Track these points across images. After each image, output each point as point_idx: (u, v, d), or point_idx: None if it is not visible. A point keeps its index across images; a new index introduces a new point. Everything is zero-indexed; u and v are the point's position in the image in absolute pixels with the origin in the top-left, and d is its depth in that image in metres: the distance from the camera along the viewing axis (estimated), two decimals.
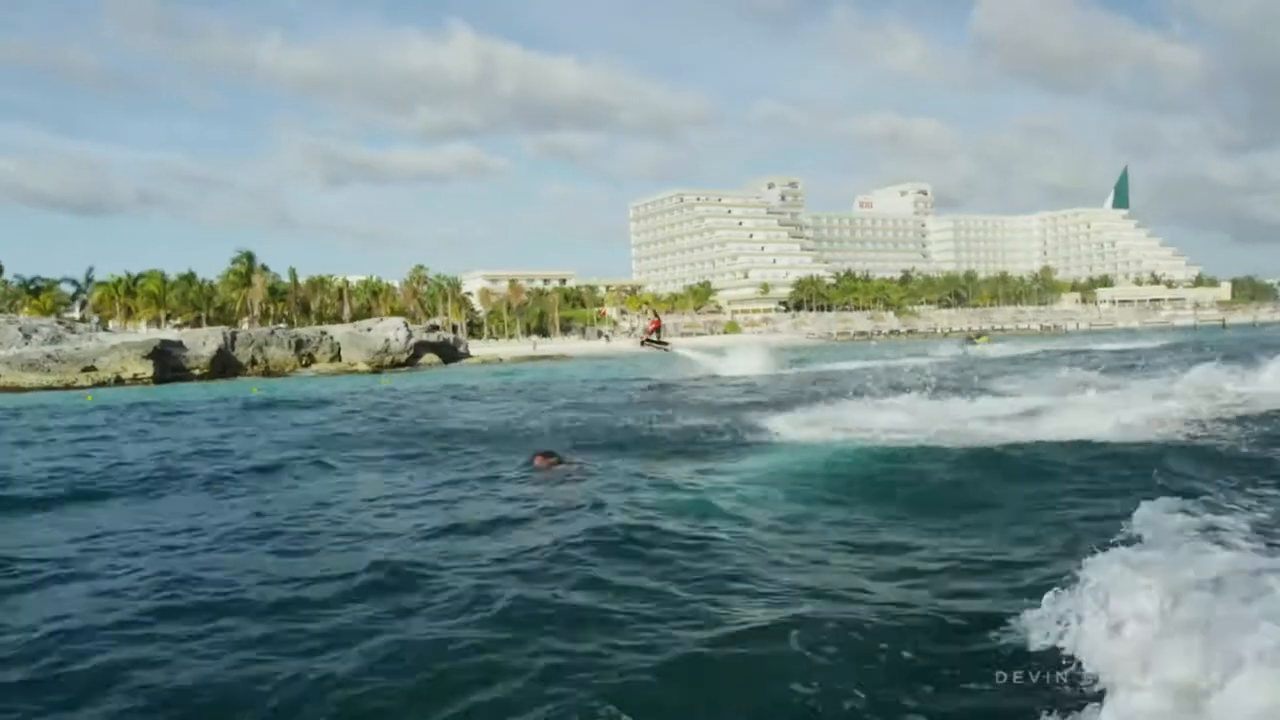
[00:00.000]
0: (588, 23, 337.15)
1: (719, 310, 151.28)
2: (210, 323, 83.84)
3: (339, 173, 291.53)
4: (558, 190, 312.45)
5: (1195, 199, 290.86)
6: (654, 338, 38.44)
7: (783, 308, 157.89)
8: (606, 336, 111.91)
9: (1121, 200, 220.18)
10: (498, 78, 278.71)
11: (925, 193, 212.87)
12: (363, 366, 61.90)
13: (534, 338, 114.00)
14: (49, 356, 55.46)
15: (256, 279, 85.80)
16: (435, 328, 70.55)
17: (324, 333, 66.62)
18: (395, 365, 63.05)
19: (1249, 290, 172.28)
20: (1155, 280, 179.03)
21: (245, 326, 71.47)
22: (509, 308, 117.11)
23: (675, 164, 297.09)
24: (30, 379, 53.29)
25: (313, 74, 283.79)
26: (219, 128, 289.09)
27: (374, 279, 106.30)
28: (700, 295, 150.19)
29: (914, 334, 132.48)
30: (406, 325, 65.44)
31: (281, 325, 72.19)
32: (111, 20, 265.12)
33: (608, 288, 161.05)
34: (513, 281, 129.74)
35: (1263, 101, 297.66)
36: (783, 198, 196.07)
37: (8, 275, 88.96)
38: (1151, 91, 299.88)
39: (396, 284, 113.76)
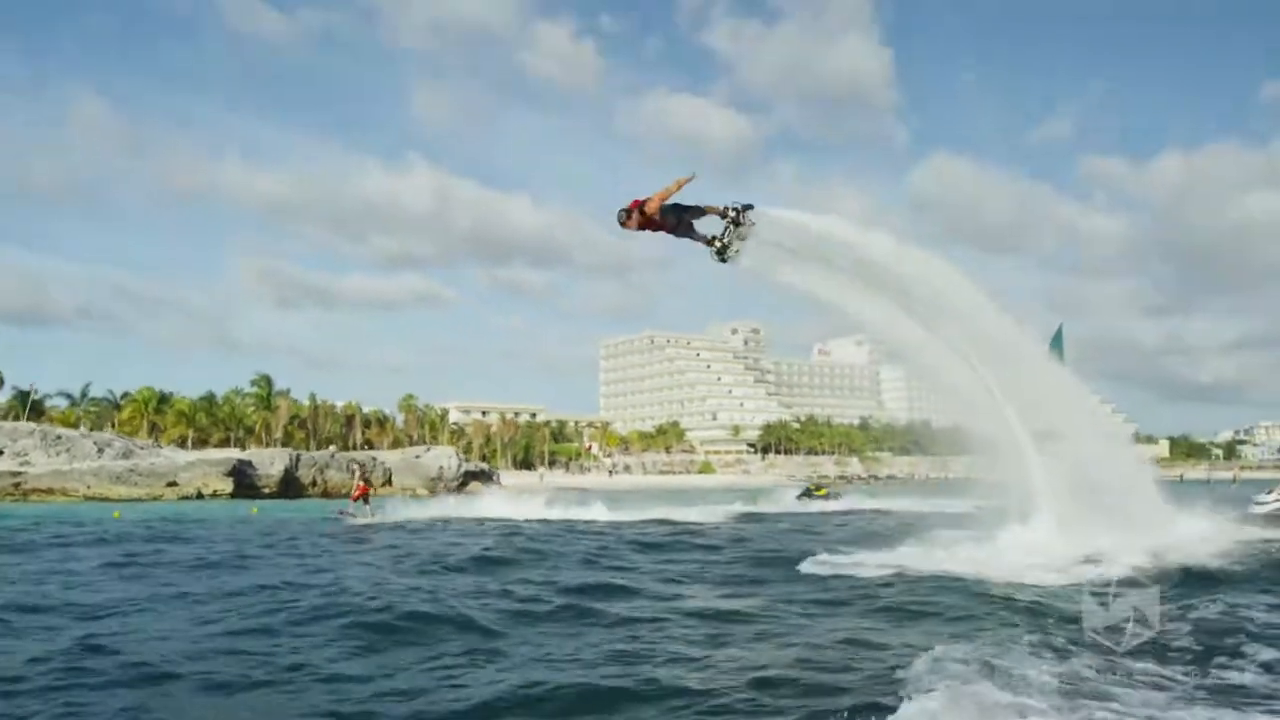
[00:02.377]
0: (541, 163, 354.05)
1: (693, 450, 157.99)
2: (239, 444, 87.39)
3: (290, 296, 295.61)
4: (509, 323, 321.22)
5: (1120, 359, 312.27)
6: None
7: (751, 449, 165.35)
8: (612, 470, 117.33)
9: (1056, 357, 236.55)
10: (453, 211, 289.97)
11: (879, 343, 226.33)
12: (422, 491, 66.50)
13: (610, 461, 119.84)
14: (132, 470, 59.24)
15: (281, 403, 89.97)
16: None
17: (374, 458, 71.20)
18: (446, 490, 67.68)
19: (1185, 448, 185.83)
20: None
21: (269, 449, 75.54)
22: (501, 440, 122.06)
23: (629, 304, 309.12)
24: (119, 491, 56.97)
25: (272, 198, 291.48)
26: (168, 247, 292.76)
27: (376, 409, 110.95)
28: (675, 435, 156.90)
29: (889, 479, 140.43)
30: (458, 454, 70.52)
31: (332, 448, 76.45)
32: (76, 134, 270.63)
33: (577, 423, 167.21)
34: (502, 414, 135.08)
35: (1181, 270, 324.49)
36: (745, 342, 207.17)
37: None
38: (1077, 257, 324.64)
39: (385, 410, 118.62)
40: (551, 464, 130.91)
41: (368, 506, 31.77)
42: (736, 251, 11.87)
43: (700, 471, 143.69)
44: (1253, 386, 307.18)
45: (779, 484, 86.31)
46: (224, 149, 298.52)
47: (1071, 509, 15.95)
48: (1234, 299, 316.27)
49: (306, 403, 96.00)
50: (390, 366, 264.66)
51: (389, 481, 69.39)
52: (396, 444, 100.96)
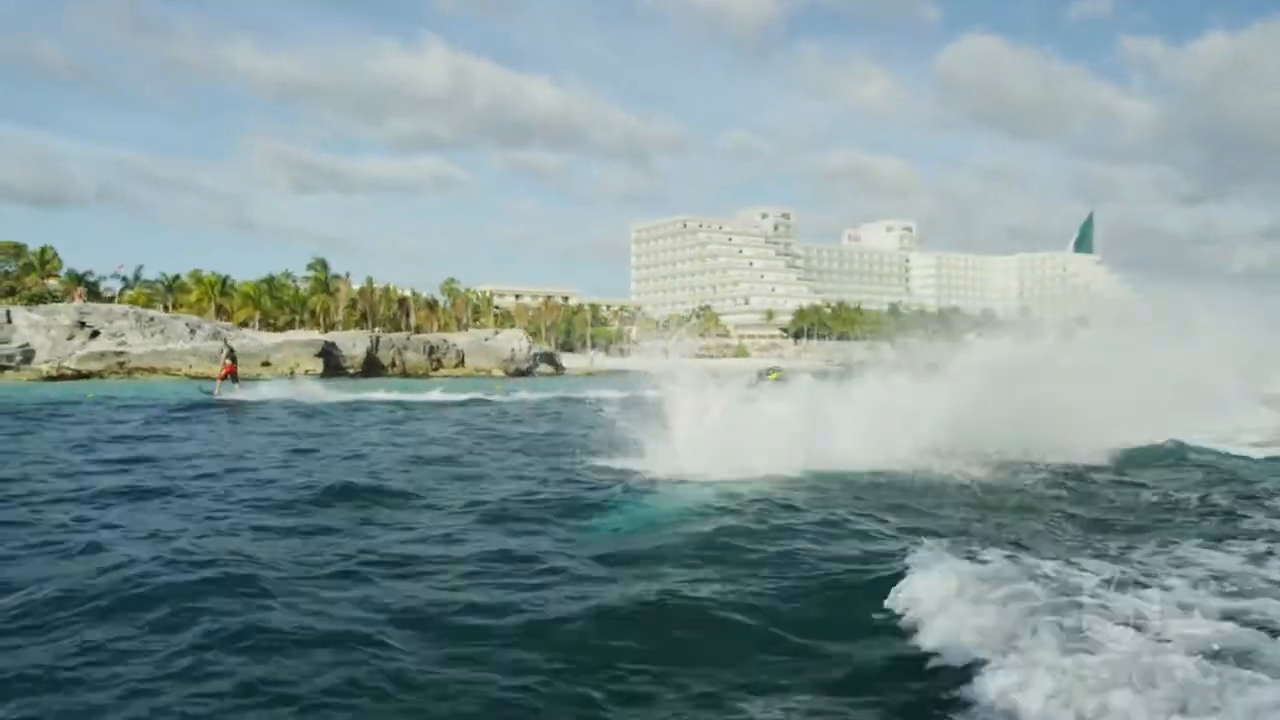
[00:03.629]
0: (561, 44, 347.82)
1: (727, 334, 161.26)
2: (303, 325, 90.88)
3: (306, 179, 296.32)
4: (525, 207, 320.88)
5: (1147, 247, 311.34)
6: None
7: (784, 334, 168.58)
8: (666, 352, 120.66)
9: (1085, 245, 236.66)
10: (470, 92, 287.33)
11: (910, 229, 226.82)
12: (497, 371, 70.13)
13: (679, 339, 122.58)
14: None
15: (341, 286, 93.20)
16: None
17: (445, 340, 74.65)
18: (520, 373, 71.25)
19: None
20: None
21: (350, 331, 78.82)
22: (544, 324, 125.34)
23: (645, 187, 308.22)
24: (219, 369, 60.47)
25: (286, 79, 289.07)
26: (185, 128, 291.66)
27: (423, 293, 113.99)
28: (710, 319, 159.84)
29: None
30: (528, 336, 73.84)
31: (408, 332, 79.80)
32: (78, 13, 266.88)
33: (609, 306, 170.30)
34: (537, 297, 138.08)
35: (1214, 156, 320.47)
36: (775, 227, 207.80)
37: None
38: (1108, 141, 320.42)
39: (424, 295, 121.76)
40: (592, 346, 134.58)
41: (236, 385, 33.43)
42: None
43: (736, 355, 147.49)
44: None
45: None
46: (233, 29, 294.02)
47: None
48: (1267, 186, 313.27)
49: (357, 286, 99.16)
50: (405, 250, 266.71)
51: (462, 362, 73.03)
52: (444, 327, 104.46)
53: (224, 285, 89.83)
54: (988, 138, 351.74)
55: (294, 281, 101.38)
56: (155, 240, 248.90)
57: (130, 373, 61.46)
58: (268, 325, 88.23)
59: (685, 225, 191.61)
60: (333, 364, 64.34)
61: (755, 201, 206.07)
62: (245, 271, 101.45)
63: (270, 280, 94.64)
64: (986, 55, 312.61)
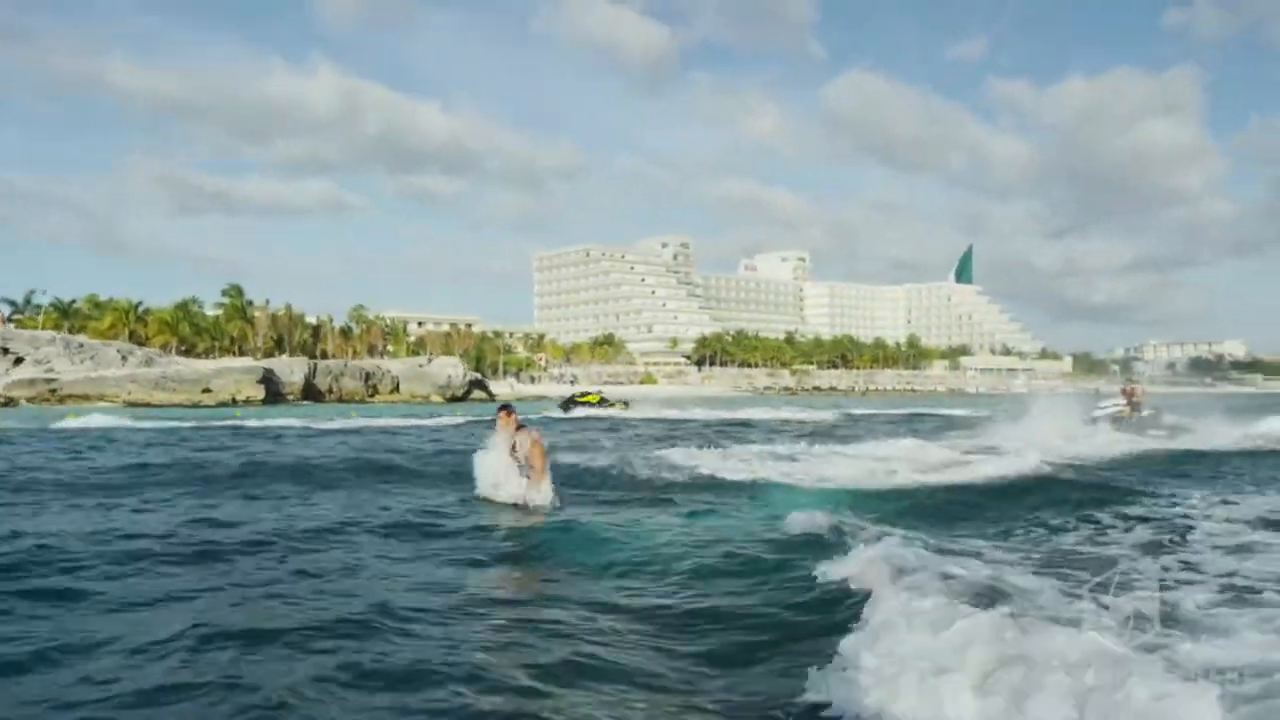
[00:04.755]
0: (454, 68, 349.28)
1: (633, 362, 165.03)
2: (224, 353, 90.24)
3: (188, 199, 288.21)
4: (418, 232, 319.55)
5: (1021, 278, 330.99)
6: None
7: (686, 361, 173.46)
8: (573, 379, 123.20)
9: (966, 276, 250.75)
10: (361, 115, 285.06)
11: (804, 260, 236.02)
12: (435, 397, 71.71)
13: (558, 372, 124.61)
14: (168, 377, 62.80)
15: (259, 314, 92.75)
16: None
17: (380, 367, 75.86)
18: (455, 399, 73.04)
19: (1086, 365, 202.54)
20: (1007, 351, 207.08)
21: (289, 358, 79.14)
22: (458, 351, 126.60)
23: (540, 213, 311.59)
24: (160, 396, 60.68)
25: (166, 96, 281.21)
26: (56, 144, 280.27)
27: (326, 317, 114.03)
28: (617, 348, 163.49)
29: (820, 390, 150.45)
30: (463, 363, 75.72)
31: (344, 359, 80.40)
32: None
33: (512, 334, 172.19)
34: (454, 324, 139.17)
35: (1079, 193, 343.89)
36: (675, 256, 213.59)
37: None
38: (985, 177, 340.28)
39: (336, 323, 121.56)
40: (504, 374, 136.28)
41: None
42: None
43: (643, 383, 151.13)
44: (1141, 307, 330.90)
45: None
46: (108, 43, 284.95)
47: None
48: (1127, 222, 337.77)
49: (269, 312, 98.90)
50: (294, 275, 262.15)
51: (397, 389, 74.29)
52: (357, 354, 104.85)
53: (138, 311, 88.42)
54: (874, 171, 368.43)
55: (200, 306, 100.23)
56: (12, 259, 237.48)
57: (62, 400, 60.69)
58: (184, 352, 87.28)
59: (588, 254, 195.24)
60: (273, 390, 65.01)
61: (651, 227, 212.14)
62: (124, 294, 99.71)
63: (185, 306, 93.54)
64: (870, 91, 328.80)
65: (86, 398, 61.60)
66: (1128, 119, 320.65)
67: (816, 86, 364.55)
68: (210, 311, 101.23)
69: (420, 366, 76.11)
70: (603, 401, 47.34)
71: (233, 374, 64.58)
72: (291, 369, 68.37)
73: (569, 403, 47.33)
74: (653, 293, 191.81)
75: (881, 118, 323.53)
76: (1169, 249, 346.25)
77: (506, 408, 10.66)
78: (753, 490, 11.48)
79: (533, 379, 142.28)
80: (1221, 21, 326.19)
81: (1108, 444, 18.73)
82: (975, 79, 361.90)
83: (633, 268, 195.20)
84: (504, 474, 9.98)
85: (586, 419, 37.40)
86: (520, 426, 10.29)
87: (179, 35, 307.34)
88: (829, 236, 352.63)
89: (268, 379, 64.91)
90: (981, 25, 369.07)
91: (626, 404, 47.70)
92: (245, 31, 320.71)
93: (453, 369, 74.97)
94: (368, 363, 77.81)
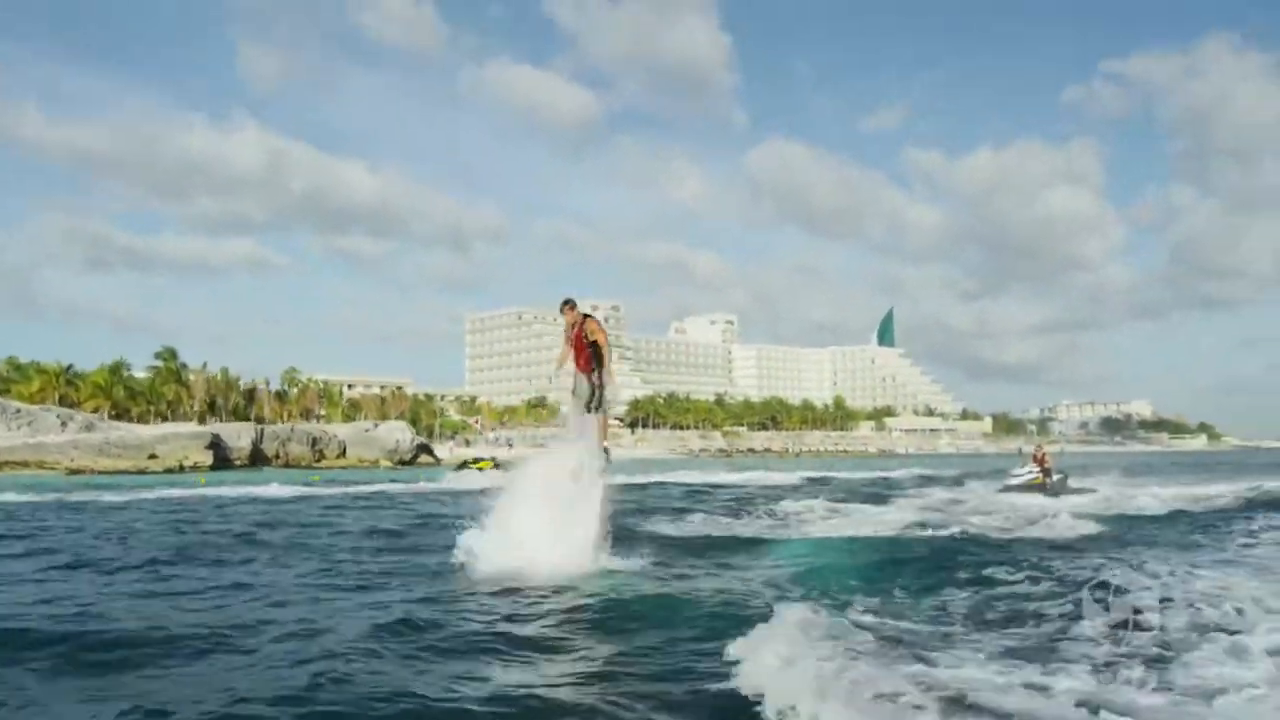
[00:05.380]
0: (380, 128, 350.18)
1: (566, 425, 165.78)
2: (159, 417, 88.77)
3: (104, 256, 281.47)
4: (345, 293, 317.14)
5: (938, 339, 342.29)
6: None
7: (620, 423, 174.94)
8: (510, 442, 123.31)
9: (888, 338, 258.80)
10: (286, 174, 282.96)
11: (732, 323, 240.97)
12: (384, 461, 71.78)
13: (494, 435, 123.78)
14: (112, 443, 61.91)
15: (197, 377, 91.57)
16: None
17: (326, 431, 75.72)
18: (403, 463, 73.16)
19: (1005, 425, 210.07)
20: (930, 412, 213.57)
21: (233, 423, 78.51)
22: (394, 413, 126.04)
23: (467, 275, 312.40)
24: (104, 463, 59.77)
25: (80, 149, 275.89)
26: None
27: (263, 381, 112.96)
28: (551, 410, 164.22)
29: (755, 452, 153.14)
30: (410, 428, 76.05)
31: (291, 424, 79.89)
32: None
33: (443, 396, 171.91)
34: (385, 386, 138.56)
35: (990, 258, 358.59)
36: (605, 319, 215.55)
37: None
38: (902, 242, 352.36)
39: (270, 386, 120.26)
40: (440, 437, 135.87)
41: None
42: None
43: None
44: (1052, 368, 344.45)
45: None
46: (23, 93, 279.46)
47: None
48: (1034, 286, 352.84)
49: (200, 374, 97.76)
50: (214, 335, 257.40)
51: (343, 454, 74.13)
52: (291, 417, 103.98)
53: (68, 374, 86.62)
54: (796, 235, 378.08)
55: (129, 369, 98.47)
56: None
57: None
58: (116, 416, 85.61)
59: (520, 316, 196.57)
60: (221, 455, 64.50)
61: (578, 289, 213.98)
62: (37, 356, 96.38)
63: (117, 369, 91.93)
64: (790, 158, 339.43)
65: (25, 464, 60.36)
66: (1033, 188, 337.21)
67: (739, 153, 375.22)
68: (140, 374, 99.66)
69: (366, 431, 76.16)
70: (497, 466, 45.72)
71: (180, 439, 63.94)
72: (239, 434, 67.93)
73: (463, 466, 47.74)
74: None
75: (802, 184, 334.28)
76: (1075, 312, 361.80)
77: (569, 302, 10.86)
78: None
79: (468, 442, 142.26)
80: (1116, 98, 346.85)
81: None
82: (892, 149, 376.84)
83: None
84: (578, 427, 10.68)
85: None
86: (587, 316, 10.82)
87: (96, 88, 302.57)
88: (753, 299, 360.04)
89: (216, 444, 64.43)
90: (896, 97, 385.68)
91: None
92: (166, 87, 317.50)
93: (400, 433, 75.23)
94: (314, 427, 77.58)
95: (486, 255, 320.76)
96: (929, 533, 14.42)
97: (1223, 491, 24.90)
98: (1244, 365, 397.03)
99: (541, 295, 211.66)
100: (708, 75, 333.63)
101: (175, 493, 29.49)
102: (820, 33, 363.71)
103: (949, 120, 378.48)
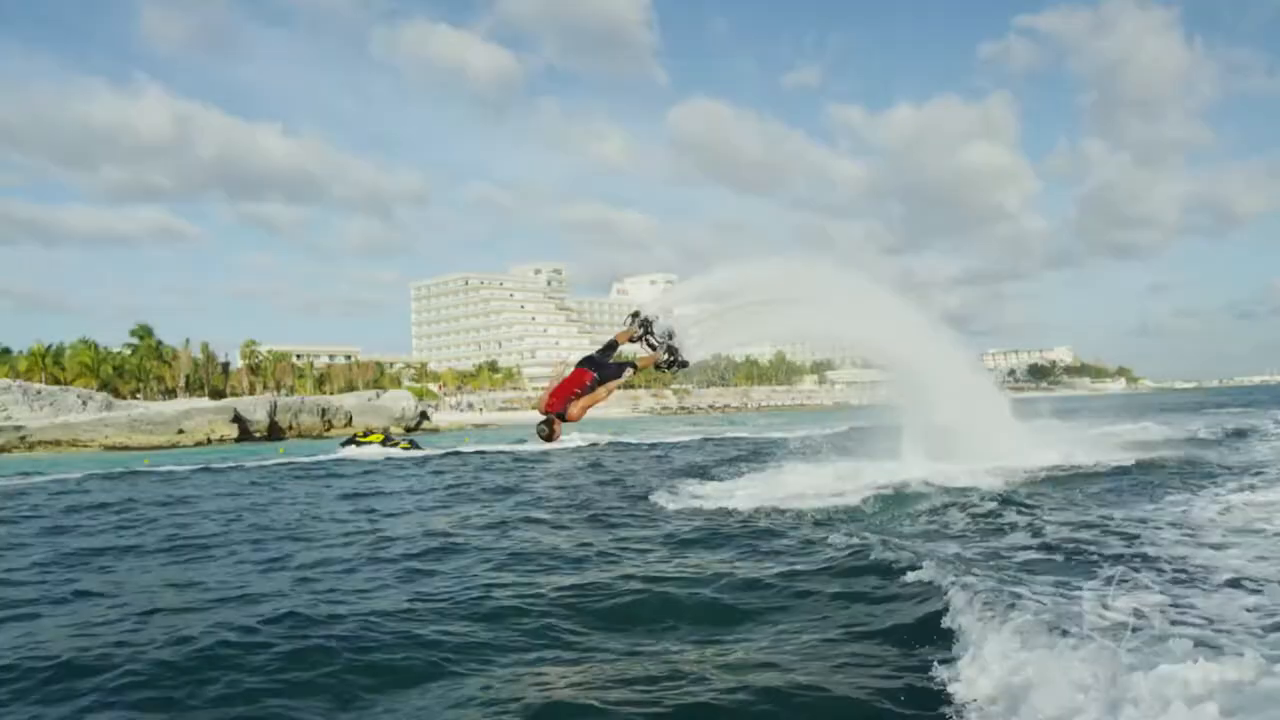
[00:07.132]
0: (293, 92, 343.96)
1: (523, 388, 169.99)
2: (149, 394, 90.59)
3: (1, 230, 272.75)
4: (259, 260, 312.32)
5: None
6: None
7: None
8: (470, 405, 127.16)
9: None
10: (194, 140, 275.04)
11: (671, 281, 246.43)
12: (395, 429, 75.41)
13: (455, 400, 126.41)
14: (136, 420, 64.60)
15: (181, 354, 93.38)
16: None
17: (332, 403, 78.90)
18: (409, 429, 76.87)
19: None
20: (867, 365, 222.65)
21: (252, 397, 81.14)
22: (360, 382, 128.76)
23: (389, 240, 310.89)
24: (138, 439, 62.53)
25: None
26: None
27: (246, 352, 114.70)
28: (508, 373, 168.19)
29: (715, 409, 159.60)
30: (413, 396, 79.71)
31: (301, 396, 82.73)
32: None
33: (392, 364, 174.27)
34: (350, 357, 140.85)
35: (912, 212, 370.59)
36: (549, 282, 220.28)
37: None
38: (825, 197, 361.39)
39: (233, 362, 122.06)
40: None
41: None
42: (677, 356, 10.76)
43: (534, 408, 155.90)
44: (976, 318, 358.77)
45: None
46: None
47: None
48: (956, 239, 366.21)
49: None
50: (125, 307, 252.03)
51: (349, 422, 77.49)
52: (265, 390, 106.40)
53: (56, 354, 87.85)
54: (719, 193, 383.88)
55: (101, 348, 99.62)
56: None
57: (32, 448, 61.55)
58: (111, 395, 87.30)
59: (466, 282, 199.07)
60: (244, 428, 67.62)
61: (506, 253, 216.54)
62: None
63: (94, 348, 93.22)
64: (712, 117, 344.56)
65: (57, 444, 62.74)
66: (952, 142, 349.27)
67: (661, 111, 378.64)
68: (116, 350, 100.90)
69: (370, 401, 79.55)
70: (386, 440, 45.31)
71: (204, 414, 66.83)
72: (255, 407, 70.89)
73: (350, 441, 46.60)
74: (533, 319, 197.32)
75: (724, 141, 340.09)
76: (996, 263, 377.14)
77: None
78: None
79: (434, 408, 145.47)
80: (1029, 53, 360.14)
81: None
82: (813, 105, 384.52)
83: (511, 295, 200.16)
84: None
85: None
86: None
87: None
88: (681, 256, 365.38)
89: (239, 417, 67.49)
90: (815, 54, 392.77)
91: (412, 443, 44.85)
92: (64, 50, 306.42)
93: (405, 401, 78.89)
94: (322, 399, 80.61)
95: (410, 220, 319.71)
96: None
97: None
98: (1154, 310, 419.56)
99: (475, 261, 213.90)
100: (628, 34, 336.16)
101: (303, 459, 34.22)
102: None
103: (869, 77, 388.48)
